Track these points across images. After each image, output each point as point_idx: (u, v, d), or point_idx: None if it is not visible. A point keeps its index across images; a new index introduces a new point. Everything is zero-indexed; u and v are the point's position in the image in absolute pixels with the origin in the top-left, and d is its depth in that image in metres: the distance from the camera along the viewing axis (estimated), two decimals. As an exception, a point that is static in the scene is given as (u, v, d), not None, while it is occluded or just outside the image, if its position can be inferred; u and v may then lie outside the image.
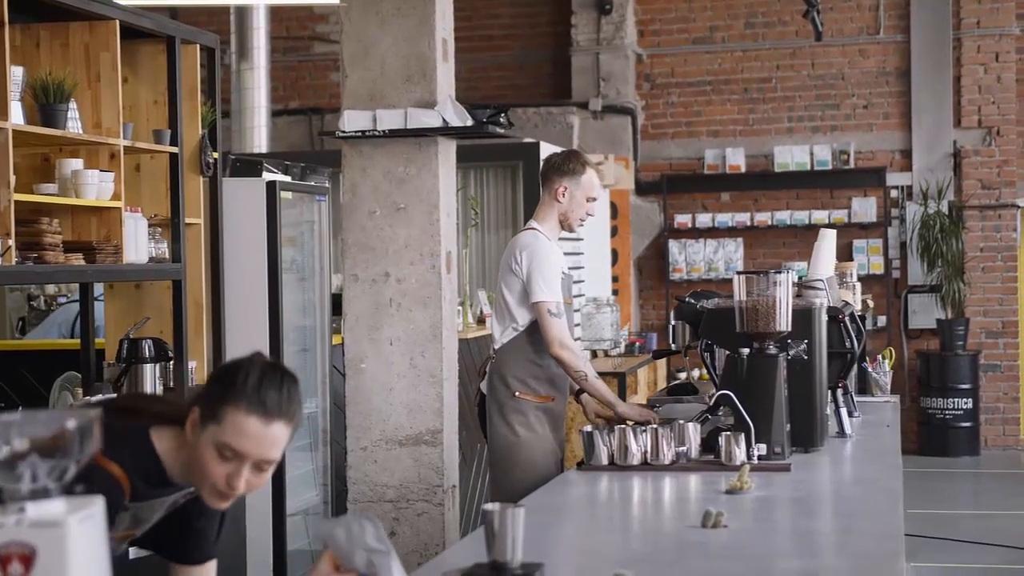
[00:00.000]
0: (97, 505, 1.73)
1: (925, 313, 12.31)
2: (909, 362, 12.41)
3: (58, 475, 1.71)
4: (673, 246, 12.66)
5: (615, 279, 12.09)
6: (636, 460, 4.13)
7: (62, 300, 8.17)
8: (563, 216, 5.19)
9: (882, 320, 12.29)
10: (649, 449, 4.13)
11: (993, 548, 8.33)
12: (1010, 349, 12.35)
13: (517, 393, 5.09)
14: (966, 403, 11.96)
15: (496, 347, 5.20)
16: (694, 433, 4.22)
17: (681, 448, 4.16)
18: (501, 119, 5.74)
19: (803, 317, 4.43)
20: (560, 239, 8.43)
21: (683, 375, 10.55)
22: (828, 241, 5.40)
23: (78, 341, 5.73)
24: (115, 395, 4.99)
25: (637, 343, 10.57)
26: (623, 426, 4.20)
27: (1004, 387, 12.35)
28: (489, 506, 2.67)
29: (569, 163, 5.20)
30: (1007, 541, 8.46)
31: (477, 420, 5.39)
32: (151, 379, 5.27)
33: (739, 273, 4.36)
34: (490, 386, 5.18)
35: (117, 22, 5.04)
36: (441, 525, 5.60)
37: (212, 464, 2.54)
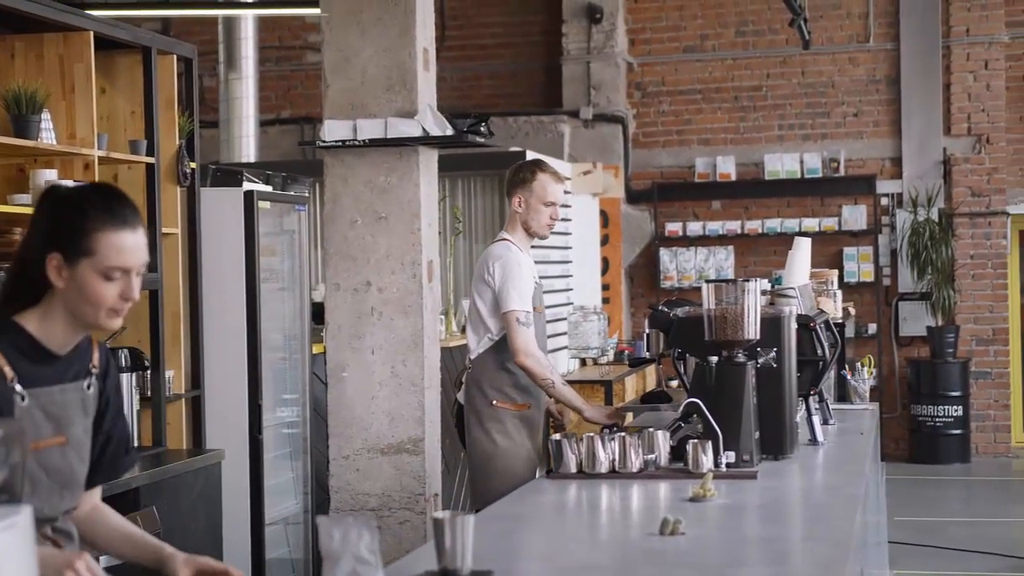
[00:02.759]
0: (23, 514, 1.74)
1: (915, 320, 12.31)
2: (900, 369, 12.42)
3: (-18, 484, 1.72)
4: (664, 254, 12.67)
5: (606, 287, 12.11)
6: (604, 468, 4.14)
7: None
8: (526, 225, 5.27)
9: (872, 327, 12.30)
10: (617, 457, 4.15)
11: (981, 556, 8.33)
12: (1000, 356, 12.36)
13: (494, 402, 5.17)
14: (956, 410, 11.96)
15: (472, 357, 5.27)
16: (663, 441, 4.23)
17: (650, 456, 4.17)
18: (481, 128, 5.75)
19: (772, 325, 4.44)
20: (545, 247, 8.45)
21: (675, 383, 10.54)
22: (802, 250, 5.42)
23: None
24: None
25: (627, 351, 10.58)
26: (591, 434, 4.21)
27: (995, 394, 12.35)
28: (438, 514, 2.70)
29: (519, 173, 5.29)
30: (996, 548, 8.46)
31: (455, 429, 5.43)
32: (127, 388, 5.28)
33: (708, 281, 4.37)
34: (467, 395, 5.25)
35: (91, 33, 5.06)
36: (423, 533, 5.60)
37: (101, 290, 2.63)
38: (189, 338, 5.88)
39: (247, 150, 10.72)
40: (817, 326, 4.90)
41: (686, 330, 4.55)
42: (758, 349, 4.38)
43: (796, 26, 9.56)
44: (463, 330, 8.48)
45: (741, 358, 4.30)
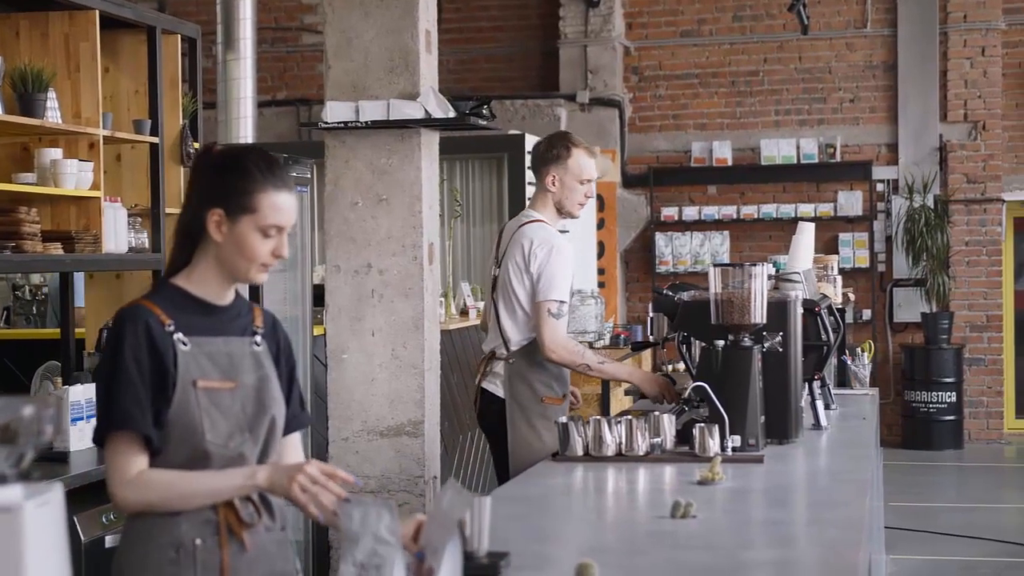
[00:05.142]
0: (55, 492, 1.74)
1: (910, 306, 12.35)
2: (894, 355, 12.45)
3: (14, 461, 1.72)
4: (660, 239, 12.68)
5: (602, 271, 12.12)
6: (611, 451, 4.14)
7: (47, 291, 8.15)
8: (558, 204, 5.02)
9: (867, 313, 12.33)
10: (624, 440, 4.15)
11: (974, 541, 8.37)
12: (994, 343, 12.40)
13: (544, 398, 4.97)
14: (950, 396, 12.00)
15: (513, 348, 5.00)
16: (669, 425, 4.24)
17: (656, 439, 4.18)
18: (483, 111, 5.73)
19: (778, 310, 4.45)
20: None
21: (669, 367, 10.55)
22: (806, 235, 5.42)
23: (59, 331, 5.73)
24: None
25: (623, 335, 10.58)
26: (597, 417, 4.21)
27: (988, 381, 12.39)
28: (456, 496, 2.69)
29: (553, 149, 5.02)
30: (989, 534, 8.50)
31: (475, 418, 5.30)
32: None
33: (715, 265, 4.36)
34: (511, 390, 5.00)
35: (97, 12, 5.04)
36: (422, 516, 5.61)
37: (258, 246, 2.80)
38: (191, 319, 5.86)
39: (245, 131, 10.64)
40: (821, 311, 4.91)
41: (692, 314, 4.55)
42: (764, 333, 4.39)
43: (795, 11, 9.56)
44: (463, 313, 8.47)
45: (747, 342, 4.30)
